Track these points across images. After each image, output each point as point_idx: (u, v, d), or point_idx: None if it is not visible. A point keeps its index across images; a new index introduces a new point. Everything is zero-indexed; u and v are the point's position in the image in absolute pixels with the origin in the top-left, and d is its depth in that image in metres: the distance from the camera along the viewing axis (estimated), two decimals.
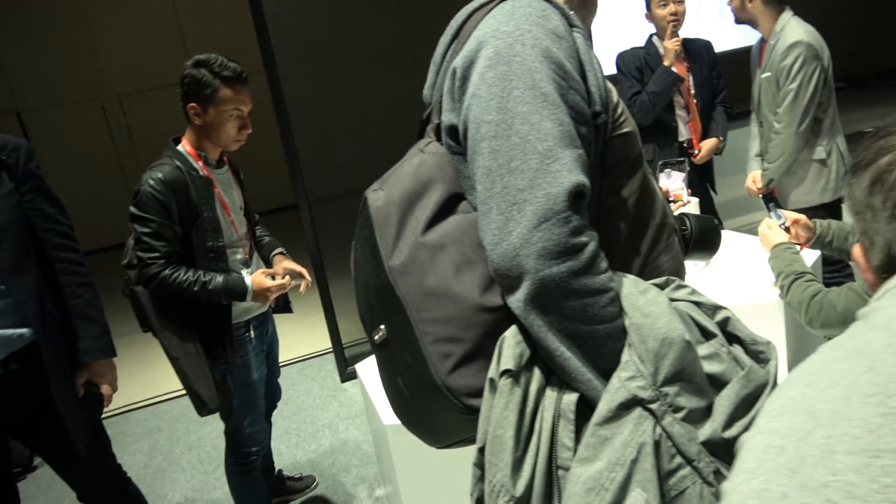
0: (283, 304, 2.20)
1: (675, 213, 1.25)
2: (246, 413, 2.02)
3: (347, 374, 3.51)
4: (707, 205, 2.95)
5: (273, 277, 1.95)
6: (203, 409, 1.87)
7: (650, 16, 2.88)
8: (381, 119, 3.70)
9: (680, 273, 1.01)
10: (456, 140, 0.90)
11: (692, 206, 2.58)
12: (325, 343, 3.75)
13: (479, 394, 0.84)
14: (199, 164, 1.88)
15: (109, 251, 7.08)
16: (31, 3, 7.41)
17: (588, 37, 0.92)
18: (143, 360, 4.11)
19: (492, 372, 0.83)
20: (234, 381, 1.97)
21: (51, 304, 1.65)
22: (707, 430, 0.77)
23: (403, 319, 0.87)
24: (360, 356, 3.12)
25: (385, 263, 0.87)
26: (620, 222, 0.93)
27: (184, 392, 2.92)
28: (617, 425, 0.78)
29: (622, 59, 2.94)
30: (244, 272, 1.93)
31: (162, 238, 1.78)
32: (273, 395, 2.30)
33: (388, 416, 1.77)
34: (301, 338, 4.08)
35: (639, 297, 0.82)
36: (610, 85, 0.92)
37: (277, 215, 6.53)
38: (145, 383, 3.88)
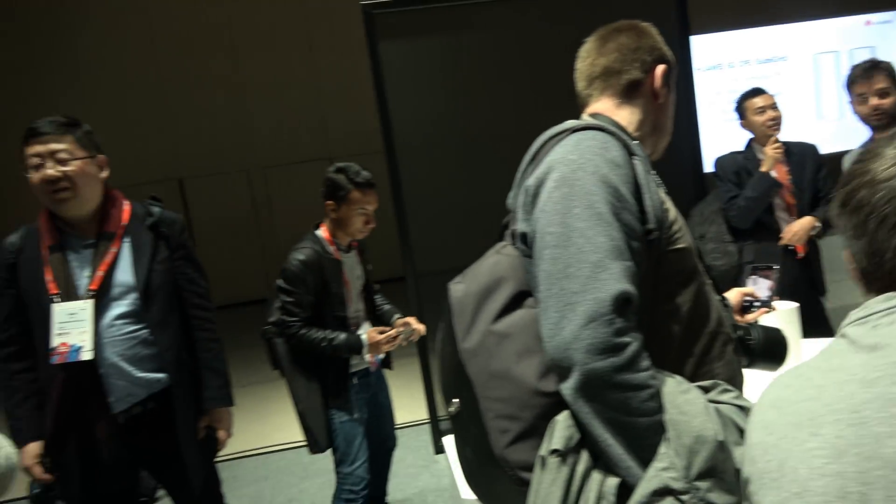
0: (384, 362, 2.56)
1: (750, 322, 1.31)
2: (348, 451, 2.33)
3: (440, 447, 3.62)
4: (812, 310, 2.81)
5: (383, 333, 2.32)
6: (315, 447, 2.27)
7: (745, 124, 2.93)
8: (489, 201, 3.92)
9: (735, 380, 1.08)
10: (527, 245, 1.05)
11: (784, 314, 2.50)
12: (423, 413, 3.89)
13: (531, 468, 0.96)
14: (332, 249, 2.32)
15: (243, 307, 7.75)
16: (199, 86, 8.57)
17: (648, 162, 1.06)
18: (256, 411, 4.44)
19: (543, 450, 0.94)
20: (337, 422, 2.30)
21: (185, 355, 1.93)
22: None
23: (471, 396, 1.01)
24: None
25: (459, 346, 1.03)
26: (674, 327, 1.03)
27: (290, 445, 3.17)
28: None
29: (720, 163, 2.99)
30: (361, 331, 2.32)
31: (301, 306, 2.24)
32: (386, 441, 2.61)
33: (466, 490, 1.87)
34: (401, 405, 4.24)
35: (679, 395, 0.91)
36: (669, 205, 1.05)
37: (385, 286, 6.91)
38: (257, 433, 4.18)
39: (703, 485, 0.86)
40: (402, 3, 3.49)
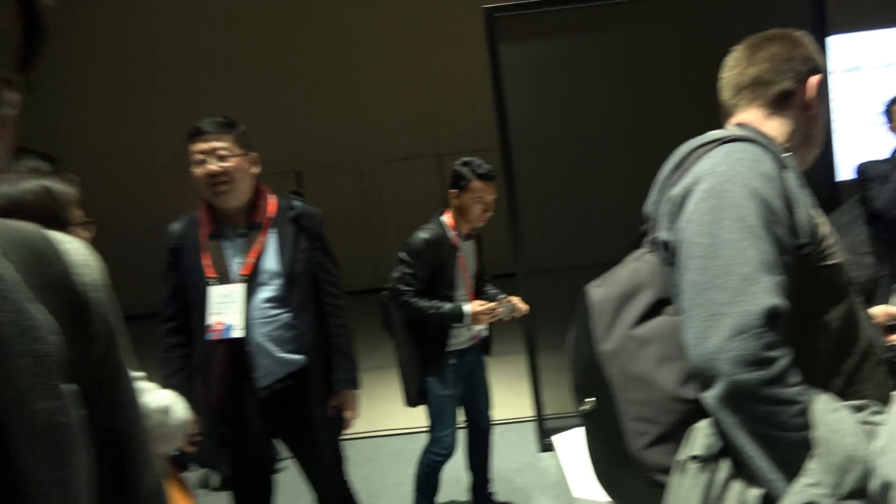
0: (485, 345, 2.76)
1: None
2: (437, 419, 2.58)
3: (545, 445, 3.64)
4: None
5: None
6: (409, 401, 2.57)
7: (894, 127, 2.76)
8: (602, 201, 3.89)
9: (886, 402, 1.05)
10: (669, 252, 1.07)
11: None
12: (527, 411, 3.93)
13: (666, 471, 0.98)
14: (452, 234, 2.51)
15: (351, 296, 8.13)
16: (317, 84, 9.01)
17: (801, 176, 1.05)
18: (373, 396, 4.64)
19: (682, 455, 0.96)
20: (432, 391, 2.54)
21: (320, 339, 2.08)
22: None
23: (608, 396, 1.04)
24: (559, 429, 3.24)
25: (597, 347, 1.06)
26: (823, 344, 1.02)
27: (401, 431, 3.36)
28: None
29: (863, 169, 2.87)
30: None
31: (416, 278, 2.46)
32: (480, 420, 2.79)
33: (578, 488, 1.90)
34: (505, 401, 4.30)
35: (829, 414, 0.91)
36: (821, 220, 1.03)
37: (495, 281, 7.03)
38: (371, 417, 4.37)
39: None
40: (522, 7, 3.54)
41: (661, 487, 0.99)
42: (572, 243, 3.98)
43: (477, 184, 2.47)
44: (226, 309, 1.89)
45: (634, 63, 3.63)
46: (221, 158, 1.91)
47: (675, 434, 0.98)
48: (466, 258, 2.60)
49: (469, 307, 2.46)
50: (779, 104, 1.15)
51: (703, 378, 0.93)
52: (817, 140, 1.19)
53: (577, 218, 4.06)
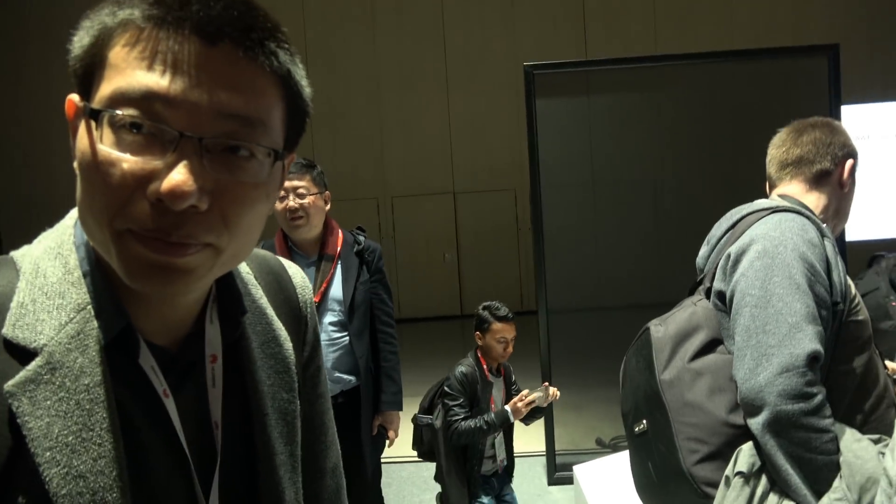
0: (508, 473, 2.88)
1: None
2: None
3: (555, 479, 3.78)
4: None
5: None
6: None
7: None
8: (620, 245, 4.12)
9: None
10: (723, 301, 1.27)
11: None
12: (537, 445, 4.07)
13: (713, 484, 1.17)
14: (484, 371, 2.69)
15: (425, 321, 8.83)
16: (413, 118, 9.42)
17: (835, 244, 1.26)
18: None
19: (728, 471, 1.15)
20: None
21: (372, 363, 2.27)
22: None
23: (664, 419, 1.24)
24: (568, 464, 3.40)
25: (657, 376, 1.26)
26: (847, 385, 1.22)
27: (412, 459, 3.45)
28: None
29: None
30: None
31: (462, 406, 2.57)
32: None
33: None
34: (517, 435, 4.45)
35: (854, 443, 1.10)
36: (850, 282, 1.24)
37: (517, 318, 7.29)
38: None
39: None
40: (556, 66, 3.84)
41: (708, 499, 1.17)
42: (590, 286, 4.20)
43: (497, 325, 2.64)
44: None
45: (655, 119, 3.92)
46: (300, 196, 2.12)
47: (722, 454, 1.18)
48: (496, 393, 2.75)
49: (509, 406, 2.60)
50: (818, 181, 1.37)
51: (751, 407, 1.13)
52: (847, 213, 1.41)
53: (595, 263, 4.28)
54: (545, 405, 2.69)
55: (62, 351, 0.54)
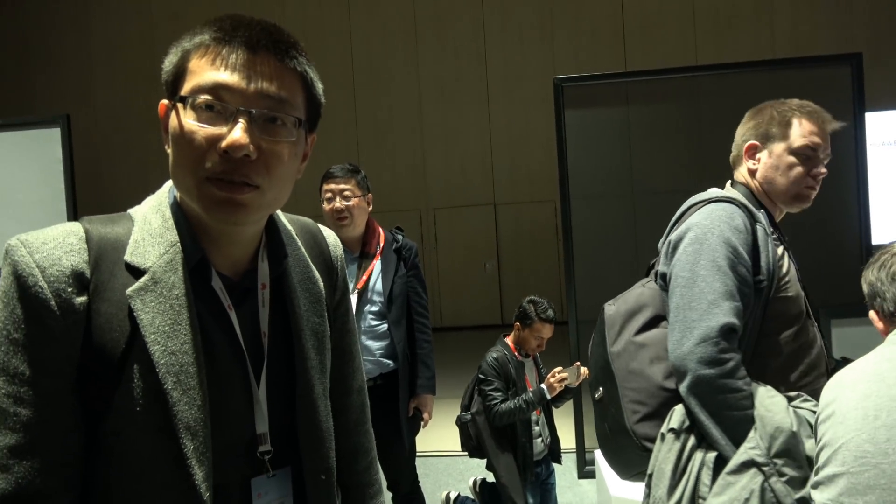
0: (553, 454, 3.02)
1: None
2: None
3: (585, 472, 3.93)
4: None
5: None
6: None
7: None
8: (646, 255, 4.23)
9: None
10: (665, 282, 1.46)
11: None
12: (568, 441, 4.23)
13: (652, 440, 1.36)
14: (514, 353, 2.88)
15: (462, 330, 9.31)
16: (453, 132, 9.77)
17: (771, 226, 1.42)
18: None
19: (663, 428, 1.35)
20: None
21: (408, 349, 2.52)
22: (802, 492, 1.18)
23: (614, 385, 1.43)
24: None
25: (608, 349, 1.46)
26: (772, 358, 1.38)
27: (448, 453, 3.66)
28: (739, 476, 1.24)
29: None
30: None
31: (498, 390, 2.74)
32: None
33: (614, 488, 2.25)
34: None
35: (767, 399, 1.28)
36: (784, 262, 1.40)
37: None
38: (424, 438, 4.74)
39: (779, 461, 1.21)
40: (585, 79, 4.03)
41: (648, 452, 1.36)
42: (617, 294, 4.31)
43: (539, 325, 2.79)
44: None
45: (683, 128, 4.03)
46: (345, 198, 2.41)
47: (659, 413, 1.37)
48: (529, 372, 2.91)
49: (544, 384, 2.74)
50: (741, 167, 1.53)
51: (678, 373, 1.32)
52: (788, 192, 1.48)
53: (624, 272, 4.40)
54: (576, 385, 2.83)
55: (161, 271, 0.79)
